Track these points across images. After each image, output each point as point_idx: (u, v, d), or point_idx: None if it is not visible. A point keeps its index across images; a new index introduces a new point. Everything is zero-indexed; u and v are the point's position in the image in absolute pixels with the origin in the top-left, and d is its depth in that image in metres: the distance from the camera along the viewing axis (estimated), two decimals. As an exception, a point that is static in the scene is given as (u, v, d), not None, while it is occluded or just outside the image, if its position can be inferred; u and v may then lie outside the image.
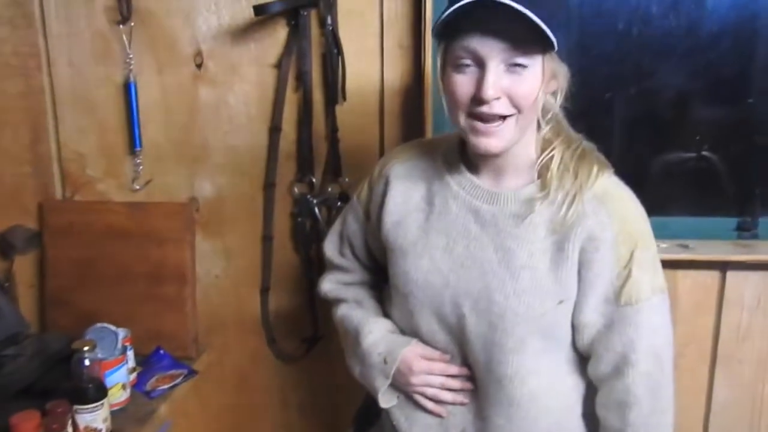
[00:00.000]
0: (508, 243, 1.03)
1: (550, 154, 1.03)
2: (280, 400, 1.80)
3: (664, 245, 1.56)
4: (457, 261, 1.06)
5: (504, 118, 0.96)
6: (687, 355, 1.61)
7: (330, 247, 1.29)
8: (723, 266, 1.56)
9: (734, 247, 1.57)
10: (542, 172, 1.04)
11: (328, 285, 1.29)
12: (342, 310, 1.24)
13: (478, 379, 1.08)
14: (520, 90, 0.94)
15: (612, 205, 1.01)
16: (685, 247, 1.57)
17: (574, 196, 1.00)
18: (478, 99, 0.94)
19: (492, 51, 0.92)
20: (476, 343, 1.05)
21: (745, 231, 1.61)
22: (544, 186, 1.03)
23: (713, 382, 1.63)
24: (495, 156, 1.01)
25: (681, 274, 1.58)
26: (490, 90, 0.93)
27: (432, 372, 1.11)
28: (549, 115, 1.03)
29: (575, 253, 1.00)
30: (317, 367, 1.75)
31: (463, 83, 0.96)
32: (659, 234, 1.53)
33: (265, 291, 1.72)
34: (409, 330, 1.14)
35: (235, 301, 1.75)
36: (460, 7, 0.90)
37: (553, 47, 0.92)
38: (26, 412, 1.26)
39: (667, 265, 1.51)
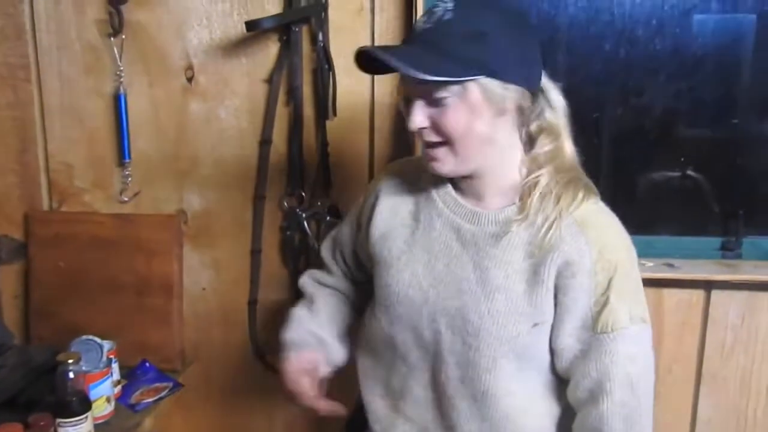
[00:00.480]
0: (486, 263, 1.03)
1: (536, 179, 1.03)
2: (267, 414, 1.79)
3: (650, 264, 1.58)
4: (437, 277, 1.07)
5: (442, 144, 1.00)
6: (672, 373, 1.62)
7: (324, 248, 1.33)
8: (707, 285, 1.58)
9: (718, 267, 1.59)
10: (525, 194, 1.04)
11: (305, 278, 1.34)
12: (297, 303, 1.30)
13: (452, 395, 1.09)
14: (443, 121, 0.97)
15: (592, 231, 1.01)
16: (671, 265, 1.58)
17: (554, 221, 1.00)
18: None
19: (413, 90, 0.99)
20: (451, 360, 1.06)
21: (729, 251, 1.63)
22: (523, 208, 1.03)
23: (698, 399, 1.64)
24: (447, 176, 1.05)
25: (666, 293, 1.59)
26: (412, 122, 0.99)
27: (292, 397, 1.16)
28: (541, 137, 1.03)
29: (551, 278, 1.01)
30: (304, 382, 1.74)
31: (406, 114, 1.02)
32: (645, 253, 1.57)
33: (252, 304, 1.72)
34: (384, 343, 1.15)
35: (222, 313, 1.75)
36: (362, 57, 0.98)
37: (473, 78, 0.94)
38: (8, 424, 1.24)
39: (653, 283, 1.55)
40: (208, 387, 1.78)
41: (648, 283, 1.52)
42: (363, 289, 1.28)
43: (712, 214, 1.65)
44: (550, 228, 1.00)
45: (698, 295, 1.59)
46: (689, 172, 1.64)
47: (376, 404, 1.19)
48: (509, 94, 0.97)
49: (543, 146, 1.04)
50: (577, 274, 1.00)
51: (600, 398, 1.01)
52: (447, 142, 0.99)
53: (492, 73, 0.95)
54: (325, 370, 1.20)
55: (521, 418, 1.07)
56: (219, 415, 1.80)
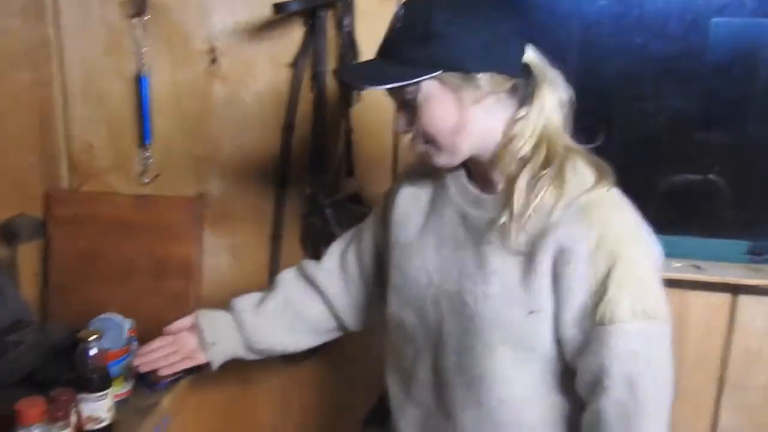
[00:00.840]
0: (485, 248, 1.03)
1: (523, 162, 1.00)
2: (281, 401, 1.79)
3: (677, 264, 1.55)
4: (443, 262, 1.08)
5: (426, 141, 1.02)
6: (694, 378, 1.59)
7: (343, 237, 1.33)
8: (735, 289, 1.54)
9: (746, 271, 1.55)
10: (512, 178, 1.01)
11: (291, 268, 1.34)
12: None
13: (451, 381, 1.08)
14: (419, 120, 0.99)
15: (594, 217, 0.96)
16: (698, 267, 1.55)
17: (552, 206, 0.97)
18: None
19: (391, 99, 1.03)
20: (450, 344, 1.07)
21: (757, 255, 1.59)
22: (509, 194, 1.00)
23: (720, 405, 1.61)
24: (448, 166, 1.06)
25: (692, 295, 1.56)
26: (397, 127, 1.04)
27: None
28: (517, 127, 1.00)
29: (544, 264, 0.97)
30: (320, 370, 1.74)
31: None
32: (671, 253, 1.52)
33: (271, 289, 1.71)
34: (396, 325, 1.17)
35: (240, 299, 1.74)
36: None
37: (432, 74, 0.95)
38: (31, 398, 1.23)
39: (679, 284, 1.52)
40: (223, 371, 1.76)
41: (674, 284, 1.51)
42: (349, 292, 1.29)
43: (740, 218, 1.63)
44: (548, 214, 0.97)
45: (724, 298, 1.56)
46: (713, 176, 1.62)
47: (392, 386, 1.21)
48: (476, 82, 0.97)
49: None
50: (572, 261, 0.96)
51: (598, 395, 0.97)
52: (427, 141, 1.01)
53: (448, 68, 0.95)
54: (194, 356, 1.30)
55: (519, 408, 1.05)
56: (234, 399, 1.80)
